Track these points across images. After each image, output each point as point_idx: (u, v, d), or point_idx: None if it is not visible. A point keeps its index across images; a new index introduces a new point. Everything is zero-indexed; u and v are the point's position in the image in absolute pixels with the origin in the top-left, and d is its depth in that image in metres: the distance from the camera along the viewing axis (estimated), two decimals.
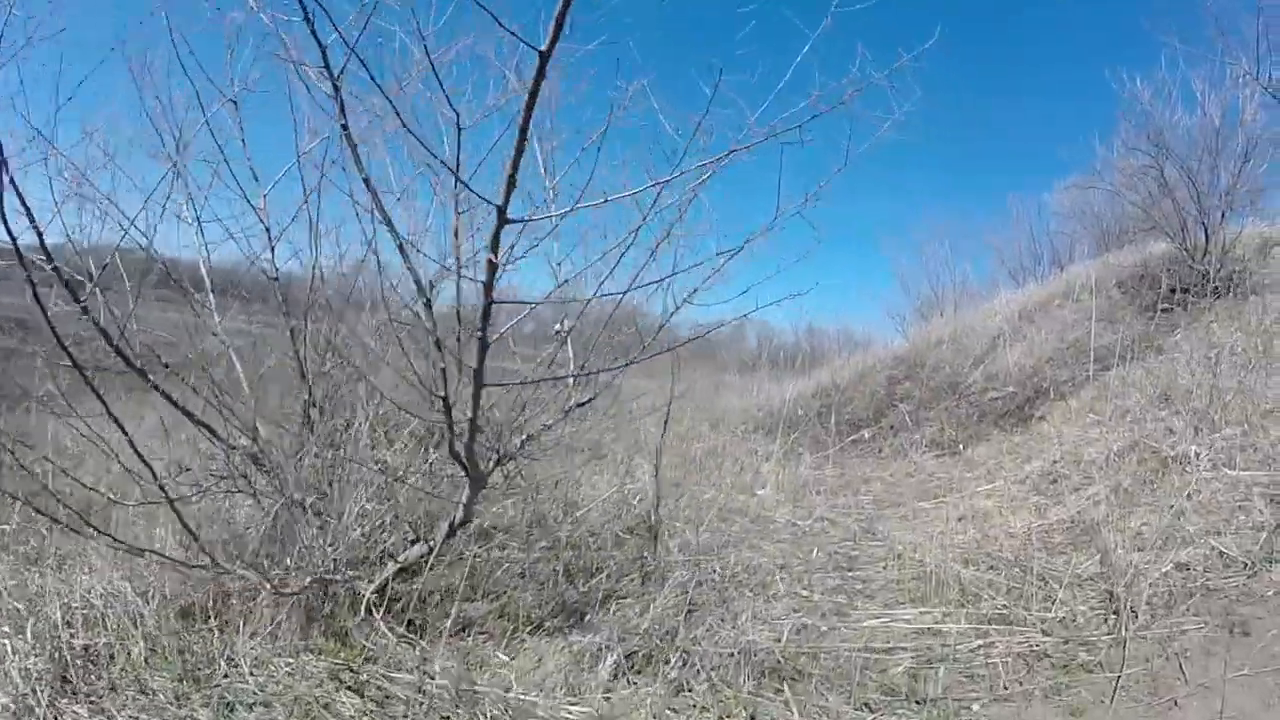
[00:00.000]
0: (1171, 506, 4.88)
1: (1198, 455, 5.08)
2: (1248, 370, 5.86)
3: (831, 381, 11.48)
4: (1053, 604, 4.27)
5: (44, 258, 2.90)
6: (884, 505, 6.57)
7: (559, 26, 2.34)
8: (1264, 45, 8.82)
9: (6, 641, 2.98)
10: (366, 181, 2.89)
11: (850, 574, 5.16)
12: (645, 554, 5.38)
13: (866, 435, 8.53)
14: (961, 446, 7.25)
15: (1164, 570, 4.32)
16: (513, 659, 3.79)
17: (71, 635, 3.12)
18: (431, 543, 4.15)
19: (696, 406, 12.41)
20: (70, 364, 3.00)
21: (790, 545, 5.83)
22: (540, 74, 2.43)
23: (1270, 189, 10.07)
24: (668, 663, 3.69)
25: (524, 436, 4.14)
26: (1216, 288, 8.64)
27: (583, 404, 4.51)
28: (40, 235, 2.90)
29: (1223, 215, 9.48)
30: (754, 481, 7.76)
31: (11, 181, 2.68)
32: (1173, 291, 9.08)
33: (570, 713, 3.31)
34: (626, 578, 5.18)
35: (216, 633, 3.52)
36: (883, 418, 9.05)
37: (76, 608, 3.26)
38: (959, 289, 15.58)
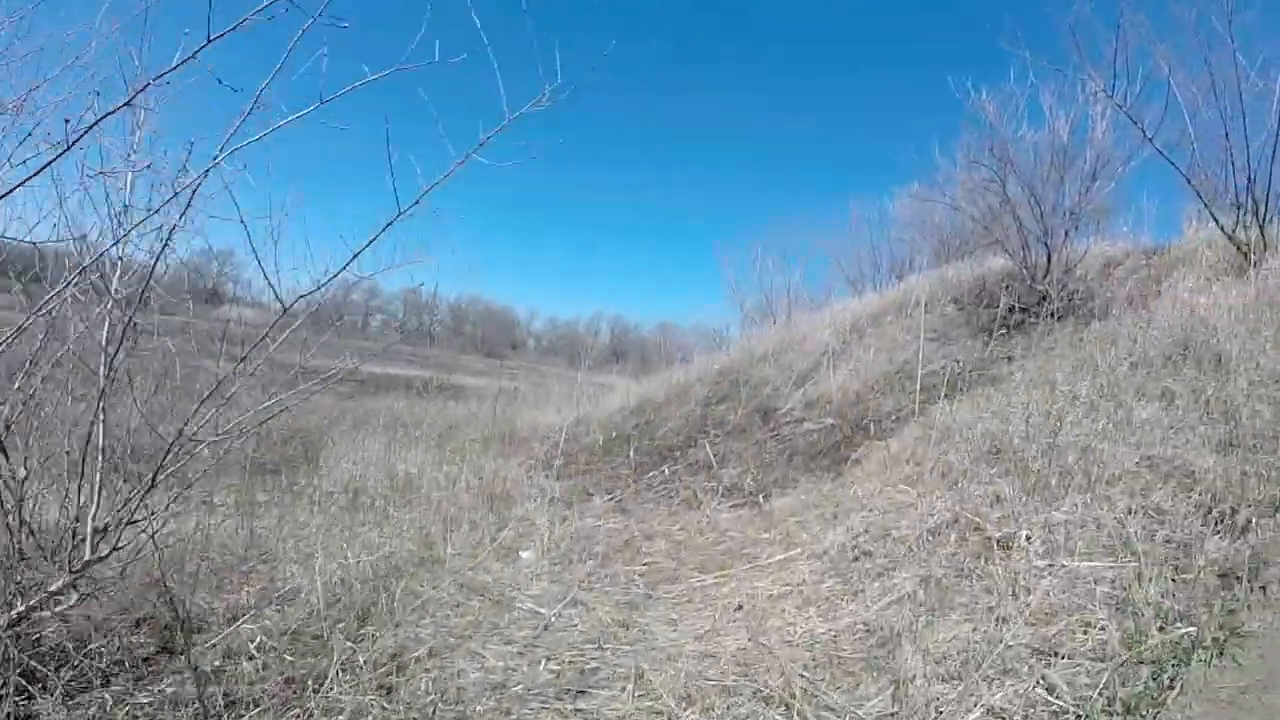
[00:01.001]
0: (992, 610, 3.63)
1: (1029, 539, 3.87)
2: (1092, 421, 4.77)
3: (652, 396, 10.14)
4: None
5: None
6: (659, 578, 5.13)
7: None
8: (1121, 60, 8.17)
9: None
10: None
11: (576, 705, 3.67)
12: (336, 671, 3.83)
13: (667, 472, 7.13)
14: (764, 496, 5.94)
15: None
16: None
17: None
18: None
19: (497, 424, 10.83)
20: None
21: (521, 648, 4.31)
22: None
23: (1117, 209, 9.48)
24: None
25: None
26: (1057, 309, 7.78)
27: (103, 558, 2.85)
28: None
29: (1066, 234, 8.76)
30: (522, 537, 6.22)
31: None
32: (1011, 311, 8.19)
33: None
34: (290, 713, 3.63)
35: None
36: (691, 447, 7.69)
37: None
38: (793, 296, 14.53)
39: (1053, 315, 7.64)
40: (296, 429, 10.81)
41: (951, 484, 4.57)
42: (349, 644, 4.17)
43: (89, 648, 3.92)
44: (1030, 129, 9.04)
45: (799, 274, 16.51)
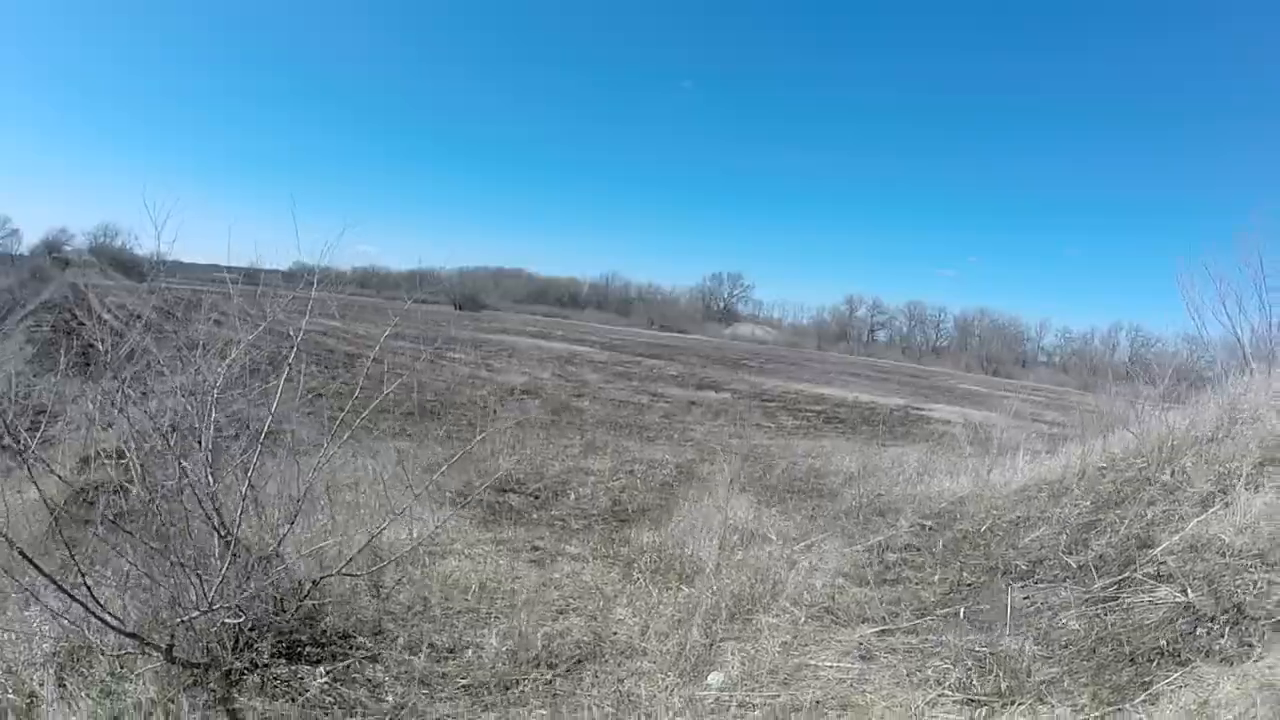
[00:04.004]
0: None
1: None
2: None
3: (1062, 476, 7.77)
4: None
5: None
6: None
7: None
8: None
9: None
10: None
11: None
12: None
13: (962, 615, 5.32)
14: (1004, 702, 3.97)
15: None
16: None
17: None
18: None
19: (869, 492, 9.52)
20: None
21: None
22: None
23: None
24: None
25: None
26: None
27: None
28: None
29: None
30: (735, 657, 5.38)
31: None
32: None
33: None
34: None
35: None
36: (1032, 581, 5.61)
37: None
38: (1274, 335, 8.87)
39: None
40: (688, 472, 11.23)
41: None
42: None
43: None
44: None
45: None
